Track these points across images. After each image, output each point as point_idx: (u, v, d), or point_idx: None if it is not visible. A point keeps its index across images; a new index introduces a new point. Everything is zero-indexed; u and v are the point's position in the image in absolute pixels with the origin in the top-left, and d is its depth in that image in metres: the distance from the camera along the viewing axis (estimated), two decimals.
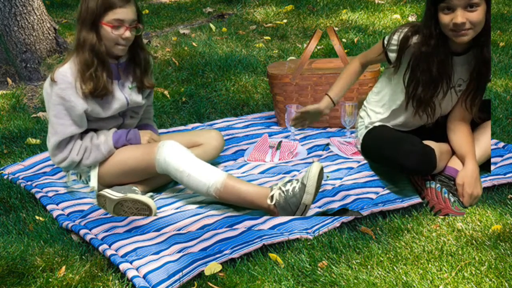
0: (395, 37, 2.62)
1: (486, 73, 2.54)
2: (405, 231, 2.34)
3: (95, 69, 2.47)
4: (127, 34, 2.48)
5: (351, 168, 2.89)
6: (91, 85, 2.47)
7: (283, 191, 2.41)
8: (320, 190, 2.61)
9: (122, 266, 2.16)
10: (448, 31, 2.42)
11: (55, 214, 2.55)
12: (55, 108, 2.49)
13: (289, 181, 2.46)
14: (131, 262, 2.19)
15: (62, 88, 2.47)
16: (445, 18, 2.40)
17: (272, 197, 2.43)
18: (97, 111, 2.55)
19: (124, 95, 2.62)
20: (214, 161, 2.95)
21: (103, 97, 2.53)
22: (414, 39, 2.56)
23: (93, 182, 2.59)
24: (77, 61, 2.49)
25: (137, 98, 2.67)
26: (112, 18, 2.45)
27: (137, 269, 2.15)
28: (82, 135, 2.59)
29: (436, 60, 2.51)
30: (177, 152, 2.53)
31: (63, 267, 2.18)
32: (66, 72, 2.47)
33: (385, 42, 2.67)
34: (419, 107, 2.62)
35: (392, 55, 2.65)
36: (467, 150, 2.58)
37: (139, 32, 2.56)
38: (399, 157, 2.50)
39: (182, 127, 3.42)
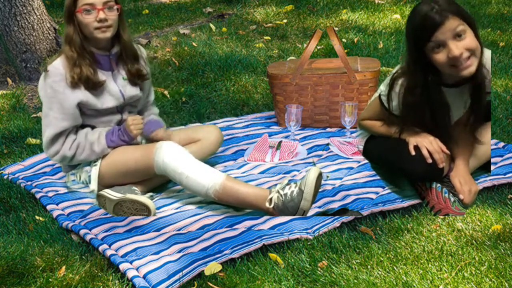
0: (395, 104, 2.49)
1: (484, 97, 2.45)
2: (405, 231, 2.34)
3: (76, 60, 2.51)
4: (101, 15, 2.49)
5: (351, 168, 2.89)
6: (77, 75, 2.50)
7: (281, 195, 2.41)
8: (320, 190, 2.61)
9: (122, 266, 2.16)
10: (449, 68, 2.28)
11: (55, 214, 2.55)
12: (49, 101, 2.53)
13: (288, 183, 2.45)
14: (131, 262, 2.19)
15: (55, 81, 2.51)
16: (439, 57, 2.26)
17: (270, 200, 2.42)
18: (93, 102, 2.56)
19: (118, 86, 2.63)
20: (214, 161, 2.95)
21: (96, 88, 2.55)
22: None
23: (93, 185, 2.59)
24: (64, 55, 2.55)
25: (132, 90, 2.67)
26: (82, 3, 2.50)
27: (137, 269, 2.15)
28: (77, 130, 2.59)
29: (428, 110, 2.41)
30: (175, 154, 2.52)
31: (63, 267, 2.18)
32: (59, 64, 2.53)
33: (387, 107, 2.53)
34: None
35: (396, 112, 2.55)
36: (459, 151, 2.58)
37: (112, 10, 2.52)
38: (407, 164, 2.48)
39: (182, 127, 3.42)
